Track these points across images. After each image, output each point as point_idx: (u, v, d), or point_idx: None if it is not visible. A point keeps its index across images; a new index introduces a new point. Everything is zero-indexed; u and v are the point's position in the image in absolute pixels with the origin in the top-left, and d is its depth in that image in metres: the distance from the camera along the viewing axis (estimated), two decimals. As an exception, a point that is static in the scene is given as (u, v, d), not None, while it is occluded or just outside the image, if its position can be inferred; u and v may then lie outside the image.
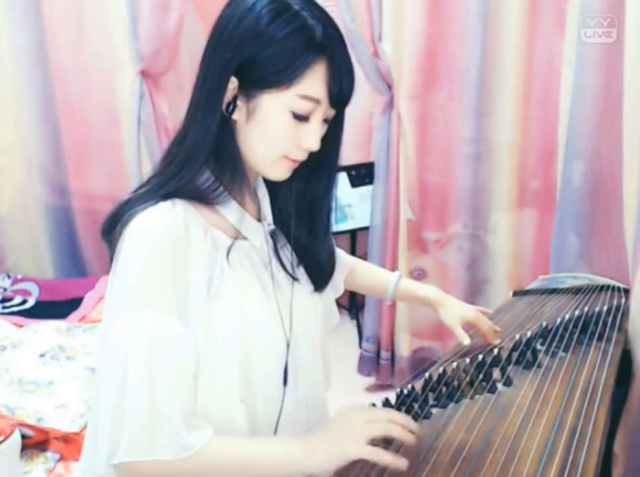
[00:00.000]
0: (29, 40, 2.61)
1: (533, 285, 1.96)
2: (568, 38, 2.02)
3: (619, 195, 1.81)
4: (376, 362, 2.76)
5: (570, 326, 1.33)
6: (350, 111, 0.98)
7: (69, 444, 1.69)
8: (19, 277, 2.73)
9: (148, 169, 2.60)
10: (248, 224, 1.00)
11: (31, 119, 2.70)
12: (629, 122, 1.68)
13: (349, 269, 1.29)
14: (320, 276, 1.09)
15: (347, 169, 3.01)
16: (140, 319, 0.86)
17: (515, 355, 1.22)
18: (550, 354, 1.24)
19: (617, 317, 1.42)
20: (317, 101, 0.91)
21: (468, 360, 1.17)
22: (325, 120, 0.95)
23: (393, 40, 2.34)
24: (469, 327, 1.28)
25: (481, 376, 1.12)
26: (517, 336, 1.25)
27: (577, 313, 1.41)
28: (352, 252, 3.15)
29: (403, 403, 1.07)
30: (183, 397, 0.88)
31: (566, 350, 1.25)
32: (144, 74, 2.59)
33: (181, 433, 0.85)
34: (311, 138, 0.93)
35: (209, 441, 0.86)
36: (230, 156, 0.95)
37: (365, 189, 2.97)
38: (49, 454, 1.66)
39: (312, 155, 0.97)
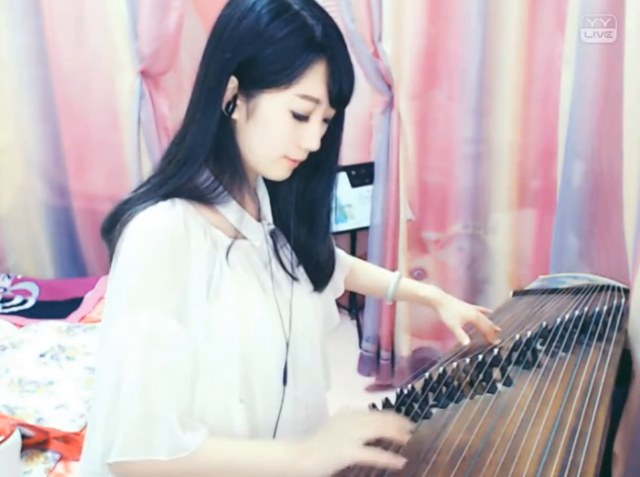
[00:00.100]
0: (29, 40, 2.62)
1: (533, 285, 1.96)
2: (568, 38, 2.02)
3: (619, 195, 1.81)
4: (376, 362, 2.76)
5: (570, 326, 1.33)
6: (350, 111, 0.98)
7: (69, 444, 1.69)
8: (19, 277, 2.74)
9: (148, 169, 2.60)
10: (247, 224, 1.00)
11: (31, 119, 2.70)
12: (629, 122, 1.68)
13: (349, 270, 1.29)
14: (320, 276, 1.09)
15: (347, 169, 3.01)
16: (139, 319, 0.86)
17: (515, 355, 1.22)
18: (550, 354, 1.24)
19: (617, 317, 1.42)
20: (317, 101, 0.91)
21: (468, 360, 1.17)
22: (325, 120, 0.95)
23: (393, 40, 2.34)
24: (469, 327, 1.28)
25: (481, 376, 1.12)
26: (517, 336, 1.25)
27: (577, 313, 1.41)
28: (352, 252, 3.15)
29: (403, 403, 1.07)
30: (179, 397, 0.88)
31: (566, 350, 1.25)
32: (144, 74, 2.59)
33: (177, 434, 0.84)
34: (311, 137, 0.93)
35: (203, 442, 0.86)
36: (229, 155, 0.95)
37: (365, 189, 2.97)
38: (49, 454, 1.66)
39: (312, 155, 0.97)
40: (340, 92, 0.92)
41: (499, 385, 1.12)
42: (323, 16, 0.92)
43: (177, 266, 0.88)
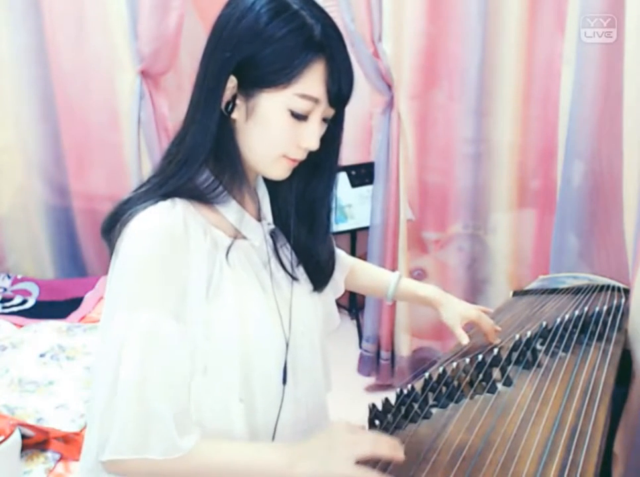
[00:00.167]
0: (29, 40, 2.62)
1: (533, 285, 1.96)
2: (568, 38, 2.02)
3: (619, 195, 1.81)
4: (376, 362, 2.76)
5: (570, 326, 1.33)
6: (350, 111, 0.98)
7: (69, 444, 1.69)
8: (19, 277, 2.74)
9: (148, 169, 2.60)
10: (247, 224, 1.00)
11: (31, 119, 2.70)
12: (629, 122, 1.68)
13: (349, 270, 1.29)
14: (319, 276, 1.09)
15: (347, 169, 3.01)
16: (138, 318, 0.86)
17: (515, 355, 1.22)
18: (550, 354, 1.24)
19: (617, 317, 1.42)
20: (316, 100, 0.91)
21: (468, 360, 1.17)
22: (324, 120, 0.95)
23: (393, 40, 2.34)
24: (470, 327, 1.28)
25: (481, 376, 1.12)
26: (517, 336, 1.25)
27: (577, 312, 1.41)
28: (352, 252, 3.15)
29: (403, 403, 1.07)
30: (176, 397, 0.88)
31: (566, 350, 1.25)
32: (144, 74, 2.59)
33: (172, 433, 0.84)
34: (310, 137, 0.93)
35: (197, 444, 0.86)
36: (229, 155, 0.95)
37: (365, 189, 2.97)
38: (49, 454, 1.66)
39: (312, 154, 0.97)
40: (339, 91, 0.92)
41: (499, 385, 1.12)
42: (322, 16, 0.92)
43: (176, 266, 0.88)
